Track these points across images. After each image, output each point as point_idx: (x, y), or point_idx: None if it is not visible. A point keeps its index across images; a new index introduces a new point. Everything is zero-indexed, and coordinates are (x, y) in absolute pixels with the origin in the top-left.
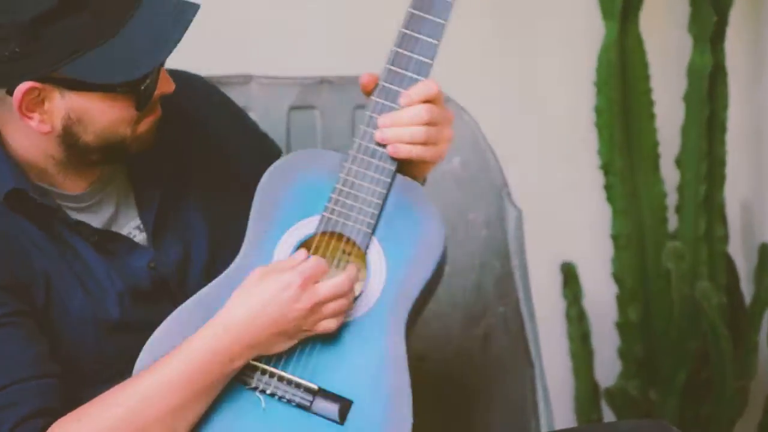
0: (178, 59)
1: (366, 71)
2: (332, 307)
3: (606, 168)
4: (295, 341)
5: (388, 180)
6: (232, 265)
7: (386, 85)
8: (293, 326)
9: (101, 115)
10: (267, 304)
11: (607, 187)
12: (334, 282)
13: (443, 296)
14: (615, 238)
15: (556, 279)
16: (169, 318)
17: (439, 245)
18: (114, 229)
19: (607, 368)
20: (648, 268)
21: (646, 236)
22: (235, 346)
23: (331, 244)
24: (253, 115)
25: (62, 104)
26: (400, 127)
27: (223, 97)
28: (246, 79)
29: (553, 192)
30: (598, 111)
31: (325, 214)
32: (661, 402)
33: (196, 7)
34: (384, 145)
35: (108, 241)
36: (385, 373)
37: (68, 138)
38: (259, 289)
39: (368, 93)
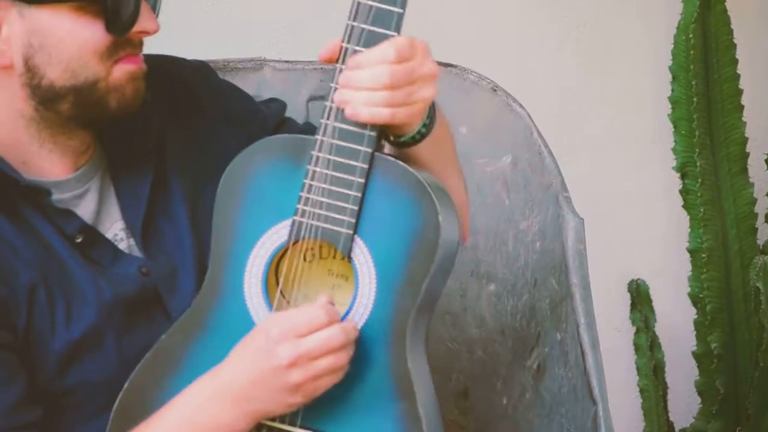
0: (179, 39)
1: None
2: (326, 364)
3: (683, 169)
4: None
5: (365, 166)
6: (196, 300)
7: (349, 46)
8: (288, 397)
9: (67, 33)
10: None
11: (685, 192)
12: (323, 337)
13: (489, 320)
14: (693, 252)
15: (624, 300)
16: (133, 378)
17: (435, 235)
18: (98, 229)
19: (683, 406)
20: (732, 287)
21: (730, 250)
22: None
23: (309, 253)
24: None
25: (21, 26)
26: (357, 90)
27: (219, 82)
28: (258, 65)
29: (620, 197)
30: (675, 101)
31: (295, 218)
32: None
33: None
34: (360, 125)
35: (92, 245)
36: (394, 398)
37: (31, 76)
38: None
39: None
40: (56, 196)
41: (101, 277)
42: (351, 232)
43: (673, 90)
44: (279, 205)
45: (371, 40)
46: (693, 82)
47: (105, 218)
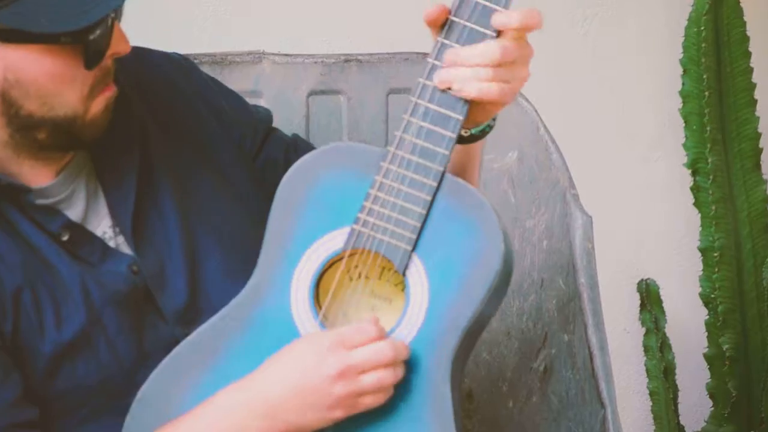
0: (177, 32)
1: (401, 48)
2: (372, 380)
3: (694, 166)
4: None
5: (435, 184)
6: (239, 297)
7: (456, 20)
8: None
9: (44, 73)
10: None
11: (696, 189)
12: (372, 350)
13: (495, 322)
14: (704, 251)
15: (633, 301)
16: (163, 368)
17: (495, 262)
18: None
19: (695, 409)
20: (744, 287)
21: (742, 249)
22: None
23: (362, 263)
24: (264, 101)
25: None
26: (463, 67)
27: (203, 76)
28: (257, 58)
29: (629, 194)
30: (685, 96)
31: (355, 226)
32: None
33: None
34: (430, 141)
35: (80, 243)
36: (427, 425)
37: (8, 107)
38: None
39: (436, 27)
40: (41, 201)
41: (90, 276)
42: (410, 248)
43: (683, 84)
44: (339, 212)
45: (480, 16)
46: (704, 76)
47: (93, 217)
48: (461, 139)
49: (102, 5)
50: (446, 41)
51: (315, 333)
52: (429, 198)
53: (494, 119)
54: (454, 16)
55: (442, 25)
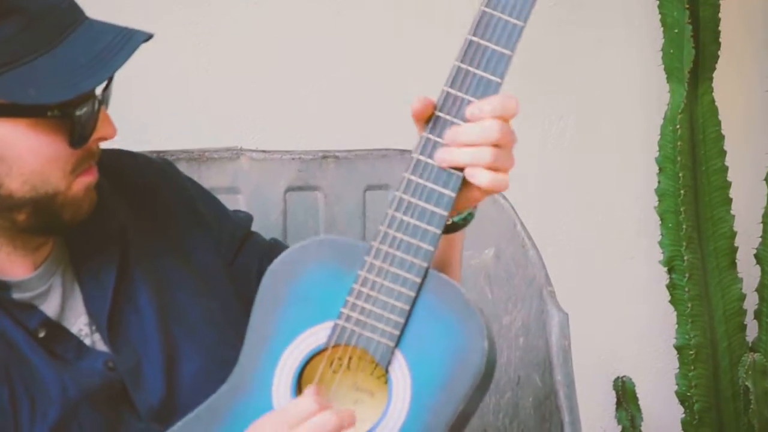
0: (155, 129)
1: (379, 145)
2: None
3: (670, 264)
4: None
5: (419, 280)
6: (221, 391)
7: (452, 91)
8: None
9: (29, 149)
10: None
11: (671, 287)
12: (314, 423)
13: (472, 419)
14: (680, 349)
15: (609, 398)
16: None
17: (478, 360)
18: (63, 324)
19: None
20: (721, 386)
21: (718, 347)
22: None
23: (347, 359)
24: (242, 198)
25: None
26: (462, 146)
27: (183, 180)
28: (235, 154)
29: (606, 292)
30: (661, 194)
31: (338, 321)
32: None
33: (147, 35)
34: (414, 236)
35: (56, 340)
36: None
37: None
38: None
39: (422, 122)
40: (19, 295)
41: (66, 372)
42: (392, 344)
43: (659, 182)
44: (321, 307)
45: (478, 88)
46: (680, 174)
47: (69, 313)
48: (444, 229)
49: (90, 79)
50: (431, 136)
51: (259, 419)
52: (413, 294)
53: (475, 207)
54: (440, 111)
55: (428, 119)
